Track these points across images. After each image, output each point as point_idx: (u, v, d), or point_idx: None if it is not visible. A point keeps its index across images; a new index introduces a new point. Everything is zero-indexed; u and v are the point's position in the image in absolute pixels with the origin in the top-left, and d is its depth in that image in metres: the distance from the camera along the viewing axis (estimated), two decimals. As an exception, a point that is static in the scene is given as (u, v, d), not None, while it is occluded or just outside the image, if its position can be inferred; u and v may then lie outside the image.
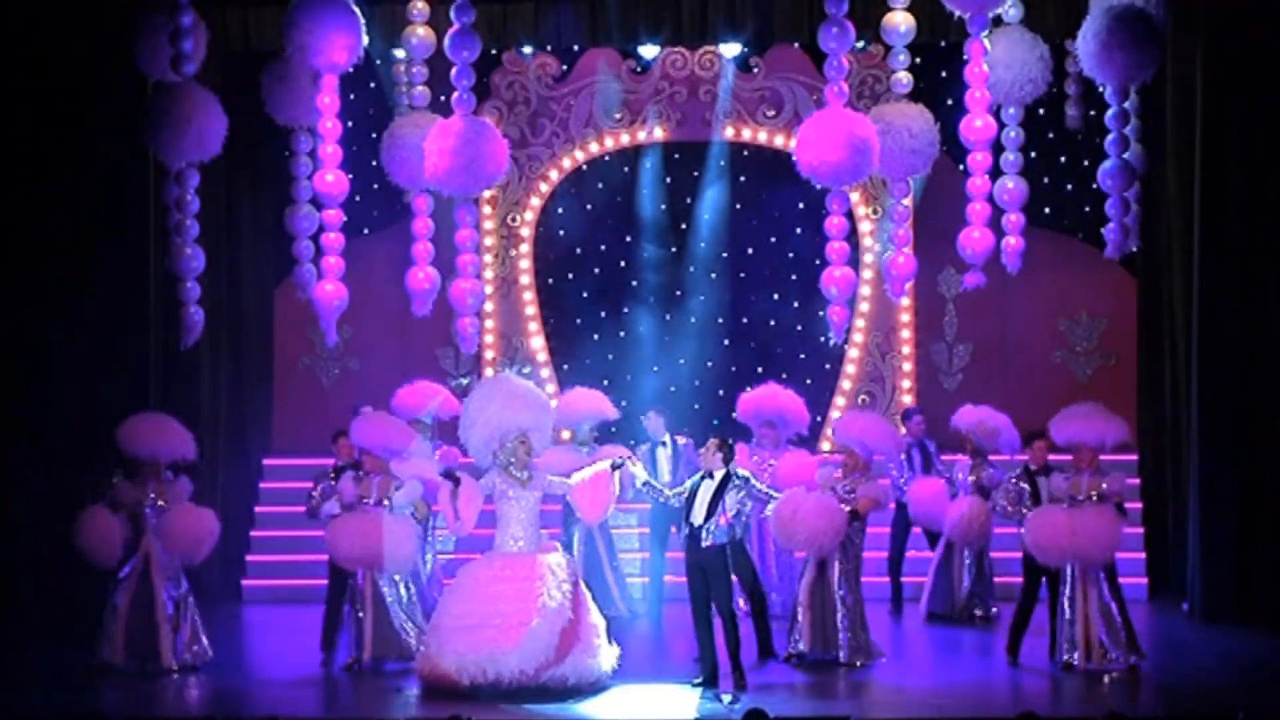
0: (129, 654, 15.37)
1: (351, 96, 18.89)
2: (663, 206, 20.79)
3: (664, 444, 17.93)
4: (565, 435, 18.80)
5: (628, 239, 20.81)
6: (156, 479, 15.59)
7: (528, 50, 19.69)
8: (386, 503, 15.54)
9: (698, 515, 14.59)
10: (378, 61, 18.41)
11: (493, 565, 14.65)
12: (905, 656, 16.43)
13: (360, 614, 15.38)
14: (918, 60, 16.98)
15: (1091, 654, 14.99)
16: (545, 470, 14.98)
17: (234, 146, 17.25)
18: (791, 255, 20.54)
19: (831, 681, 15.01)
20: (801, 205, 20.22)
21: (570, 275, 20.83)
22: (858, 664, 15.37)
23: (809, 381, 19.89)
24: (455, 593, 14.62)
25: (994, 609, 17.51)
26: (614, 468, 14.91)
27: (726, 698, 14.22)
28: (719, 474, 14.62)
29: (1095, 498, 15.18)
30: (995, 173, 17.01)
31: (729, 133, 20.54)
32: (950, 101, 18.09)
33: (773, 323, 20.66)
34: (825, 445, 19.50)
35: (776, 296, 20.66)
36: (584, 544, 17.67)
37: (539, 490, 14.71)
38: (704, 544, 14.54)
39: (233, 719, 13.79)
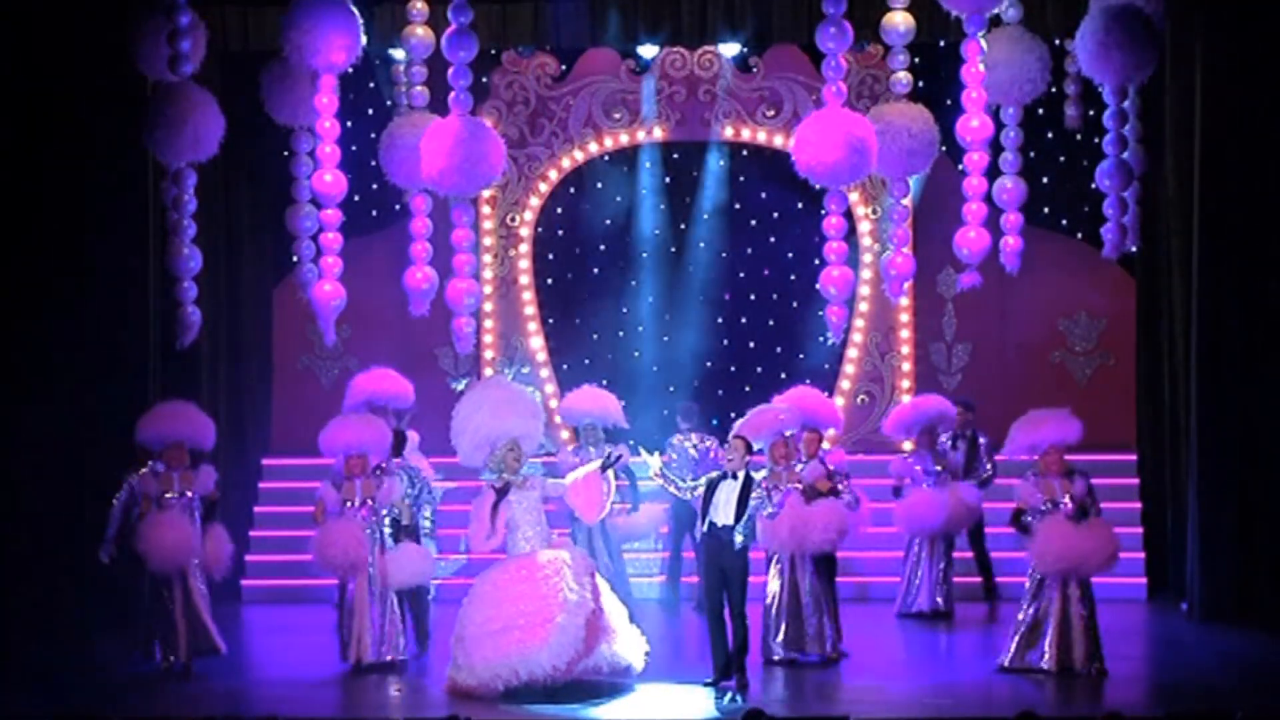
0: (189, 651, 15.43)
1: (350, 96, 18.89)
2: (662, 206, 20.80)
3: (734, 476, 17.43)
4: (564, 435, 18.81)
5: (626, 239, 20.82)
6: (181, 468, 15.58)
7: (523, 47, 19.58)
8: (371, 502, 15.51)
9: (722, 515, 14.57)
10: (376, 61, 18.41)
11: (508, 569, 14.62)
12: (904, 657, 16.43)
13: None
14: (916, 60, 16.98)
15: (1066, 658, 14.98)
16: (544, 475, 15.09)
17: (232, 146, 17.25)
18: (790, 255, 20.55)
19: (829, 682, 15.02)
20: (800, 205, 20.24)
21: (569, 275, 20.84)
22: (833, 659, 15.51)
23: (808, 381, 19.81)
24: (475, 601, 14.56)
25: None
26: (604, 467, 14.88)
27: (727, 696, 14.25)
28: (741, 475, 14.63)
29: (1069, 501, 15.09)
30: (994, 173, 17.01)
31: (728, 132, 20.54)
32: (949, 101, 18.08)
33: (771, 322, 20.67)
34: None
35: (775, 296, 20.67)
36: (587, 547, 17.63)
37: (536, 489, 14.72)
38: (736, 546, 14.55)
39: (232, 719, 13.78)
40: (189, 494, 15.54)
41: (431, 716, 13.73)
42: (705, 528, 14.67)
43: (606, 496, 14.89)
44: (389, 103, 18.76)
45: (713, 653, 14.65)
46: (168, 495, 15.47)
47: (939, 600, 17.60)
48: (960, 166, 17.13)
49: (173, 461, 15.55)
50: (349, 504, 15.46)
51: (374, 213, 20.24)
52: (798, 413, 16.13)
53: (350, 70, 16.93)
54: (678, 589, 18.36)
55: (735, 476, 14.62)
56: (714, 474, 14.80)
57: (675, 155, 20.82)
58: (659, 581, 18.58)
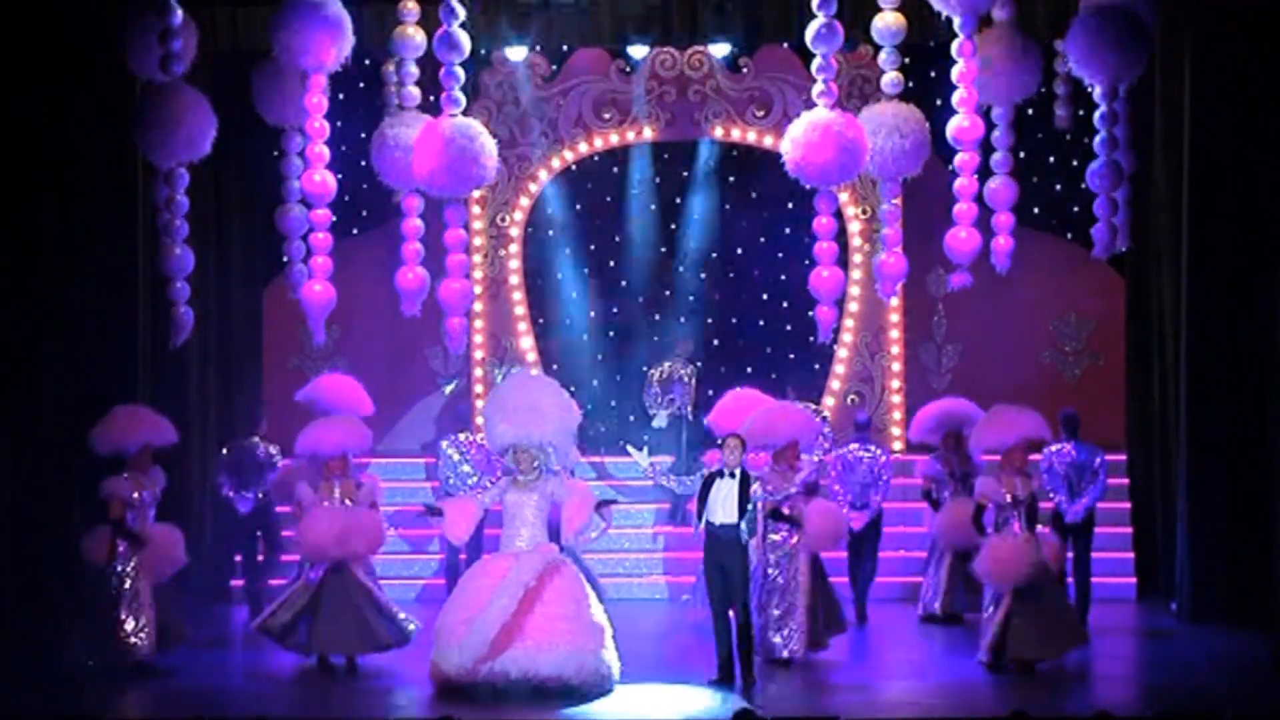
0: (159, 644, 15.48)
1: (341, 96, 18.88)
2: (652, 207, 20.81)
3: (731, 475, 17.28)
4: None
5: (616, 239, 20.83)
6: (142, 470, 15.61)
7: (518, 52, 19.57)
8: (349, 502, 15.55)
9: (722, 514, 14.58)
10: (366, 61, 18.39)
11: (480, 565, 14.88)
12: (896, 656, 16.44)
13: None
14: (907, 60, 17.00)
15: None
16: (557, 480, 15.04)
17: (222, 146, 17.23)
18: (780, 255, 20.56)
19: (821, 681, 15.03)
20: (790, 205, 20.25)
21: (559, 275, 20.84)
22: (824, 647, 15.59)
23: (798, 382, 19.90)
24: (454, 592, 14.88)
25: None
26: (599, 506, 14.87)
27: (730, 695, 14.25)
28: (738, 472, 14.63)
29: (1031, 498, 15.26)
30: (984, 173, 17.03)
31: (718, 132, 20.55)
32: (939, 102, 18.11)
33: (762, 323, 20.69)
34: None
35: (765, 297, 20.69)
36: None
37: (536, 493, 14.71)
38: (743, 542, 14.59)
39: (222, 718, 13.76)
40: (155, 492, 15.61)
41: (424, 717, 13.73)
42: (703, 526, 14.66)
43: (590, 530, 14.91)
44: (379, 103, 18.74)
45: (717, 651, 14.65)
46: (135, 495, 15.55)
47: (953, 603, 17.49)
48: (951, 167, 17.15)
49: (137, 464, 15.64)
50: (326, 504, 15.52)
51: (364, 213, 20.23)
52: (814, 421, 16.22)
53: (340, 70, 16.93)
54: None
55: (732, 474, 14.61)
56: (709, 472, 14.78)
57: (665, 155, 20.83)
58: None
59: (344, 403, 17.89)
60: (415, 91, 17.68)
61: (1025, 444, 15.48)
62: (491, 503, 15.02)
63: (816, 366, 20.52)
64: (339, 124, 18.19)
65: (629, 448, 15.23)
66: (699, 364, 19.41)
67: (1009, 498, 15.23)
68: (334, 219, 17.60)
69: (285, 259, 18.42)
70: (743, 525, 14.58)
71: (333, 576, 15.39)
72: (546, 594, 14.45)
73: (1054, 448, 16.91)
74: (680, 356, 19.27)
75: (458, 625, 14.35)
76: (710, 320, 20.73)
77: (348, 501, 15.56)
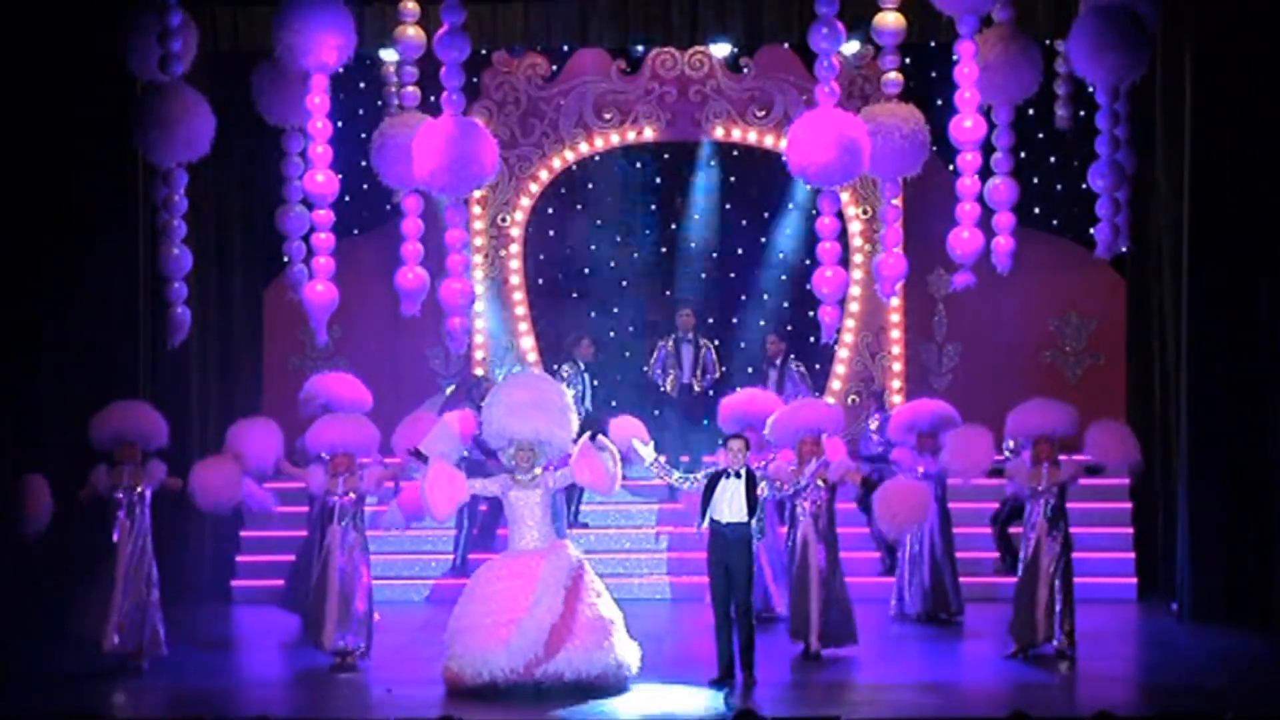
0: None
1: (341, 96, 18.89)
2: (652, 206, 20.83)
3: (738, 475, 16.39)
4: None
5: (617, 239, 20.85)
6: (132, 464, 15.59)
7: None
8: (352, 495, 15.55)
9: (728, 513, 14.57)
10: (367, 62, 18.39)
11: (494, 567, 14.75)
12: (895, 655, 16.43)
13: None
14: (907, 60, 17.00)
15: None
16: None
17: (223, 146, 17.24)
18: (781, 255, 20.57)
19: (822, 682, 15.02)
20: (791, 205, 20.27)
21: (560, 275, 20.86)
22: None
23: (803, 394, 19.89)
24: (464, 596, 14.70)
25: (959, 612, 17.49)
26: (593, 437, 14.79)
27: (731, 695, 14.26)
28: (744, 472, 14.64)
29: (1056, 489, 15.40)
30: (985, 173, 17.03)
31: (719, 133, 20.57)
32: (940, 102, 18.10)
33: (762, 323, 20.69)
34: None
35: (766, 297, 20.70)
36: None
37: (540, 488, 14.69)
38: (755, 541, 14.62)
39: (223, 719, 13.77)
40: (140, 490, 15.55)
41: (424, 717, 13.73)
42: (706, 524, 14.65)
43: (613, 464, 14.81)
44: (379, 103, 18.74)
45: (718, 651, 14.64)
46: (118, 492, 15.51)
47: (933, 605, 17.46)
48: (952, 167, 17.15)
49: (124, 458, 15.59)
50: (331, 495, 15.54)
51: (365, 213, 20.24)
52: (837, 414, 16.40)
53: (342, 70, 16.93)
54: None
55: (737, 475, 14.61)
56: (713, 472, 14.78)
57: (666, 155, 20.84)
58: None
59: (346, 401, 17.88)
60: (415, 91, 17.67)
61: (1053, 436, 15.53)
62: (483, 492, 14.95)
63: (817, 367, 20.52)
64: (339, 124, 18.21)
65: (634, 443, 15.21)
66: (711, 341, 19.91)
67: (1036, 487, 15.40)
68: (335, 219, 17.59)
69: (285, 259, 18.42)
70: (754, 524, 14.59)
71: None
72: (581, 592, 14.47)
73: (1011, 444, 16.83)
74: (682, 329, 19.60)
75: (497, 628, 14.19)
76: (711, 320, 20.73)
77: (351, 495, 15.56)
